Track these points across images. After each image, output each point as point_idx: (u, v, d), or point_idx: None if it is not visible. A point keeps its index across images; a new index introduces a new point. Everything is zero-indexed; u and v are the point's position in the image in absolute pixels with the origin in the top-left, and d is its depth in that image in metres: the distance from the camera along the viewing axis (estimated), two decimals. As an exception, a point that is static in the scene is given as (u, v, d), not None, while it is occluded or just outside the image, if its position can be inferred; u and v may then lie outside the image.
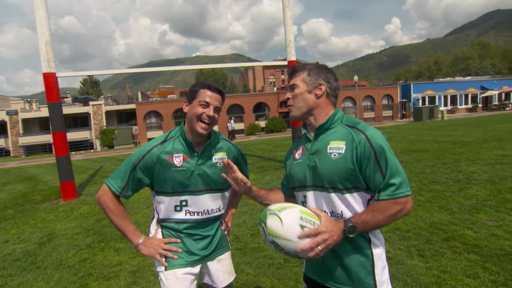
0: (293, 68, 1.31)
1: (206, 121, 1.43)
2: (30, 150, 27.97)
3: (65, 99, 37.62)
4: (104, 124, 28.32)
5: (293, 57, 8.78)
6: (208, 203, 1.52)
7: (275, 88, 38.96)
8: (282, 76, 77.67)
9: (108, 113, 29.53)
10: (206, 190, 1.50)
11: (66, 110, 28.83)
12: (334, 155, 1.16)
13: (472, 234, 3.42)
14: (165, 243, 1.48)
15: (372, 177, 1.11)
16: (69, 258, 3.78)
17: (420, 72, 75.23)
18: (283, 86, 43.57)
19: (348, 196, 1.15)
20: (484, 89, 34.31)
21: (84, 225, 5.10)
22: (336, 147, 1.16)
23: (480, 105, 34.40)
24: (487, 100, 34.80)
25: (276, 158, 10.86)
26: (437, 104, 31.48)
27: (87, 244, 4.18)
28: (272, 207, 1.11)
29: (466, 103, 34.25)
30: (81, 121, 31.68)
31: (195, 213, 1.50)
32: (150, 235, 1.56)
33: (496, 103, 34.40)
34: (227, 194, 1.63)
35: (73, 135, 27.31)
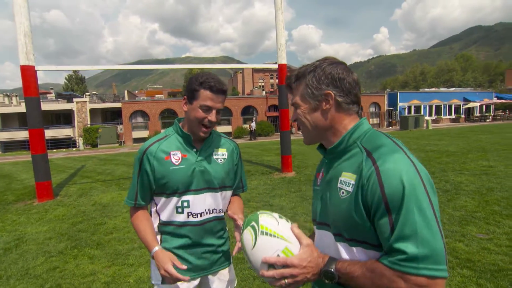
0: (288, 78, 1.01)
1: (208, 125, 1.34)
2: (8, 146, 26.81)
3: (47, 95, 36.43)
4: (88, 122, 27.47)
5: (284, 61, 8.66)
6: (209, 204, 1.41)
7: (264, 92, 38.95)
8: (271, 80, 77.91)
9: (92, 111, 28.69)
10: (207, 188, 1.40)
11: (49, 106, 27.92)
12: (343, 192, 0.85)
13: (463, 247, 3.33)
14: (172, 263, 1.31)
15: (379, 231, 0.77)
16: (37, 266, 3.47)
17: (406, 82, 77.11)
18: (272, 90, 43.69)
19: (356, 250, 0.84)
20: (466, 100, 35.35)
21: (58, 229, 4.77)
22: (346, 182, 0.85)
23: (462, 116, 35.40)
24: (469, 111, 35.85)
25: (264, 162, 10.70)
26: (422, 113, 32.16)
27: (59, 251, 3.87)
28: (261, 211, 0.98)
29: (450, 113, 35.16)
30: (64, 118, 30.66)
31: (198, 215, 1.39)
32: None
33: (478, 114, 35.48)
34: (228, 194, 1.51)
35: (55, 132, 26.35)
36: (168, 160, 1.35)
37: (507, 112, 36.61)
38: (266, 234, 0.87)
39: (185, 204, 1.37)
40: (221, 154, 1.46)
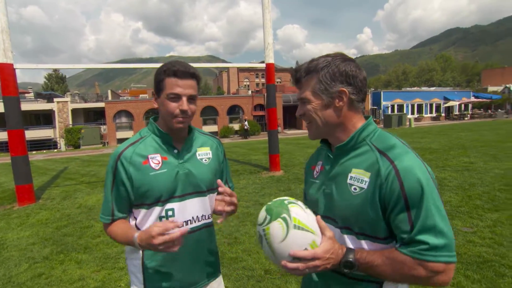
0: (297, 71, 0.97)
1: (181, 116, 1.18)
2: (-16, 148, 25.68)
3: (26, 95, 35.09)
4: (70, 122, 26.64)
5: (271, 60, 8.67)
6: (197, 210, 1.26)
7: (250, 91, 38.95)
8: (257, 80, 77.97)
9: (74, 111, 27.84)
10: (194, 193, 1.25)
11: (28, 106, 26.87)
12: (355, 188, 0.88)
13: (450, 241, 3.44)
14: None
15: (396, 226, 0.83)
16: (20, 273, 3.32)
17: (389, 81, 78.91)
18: (258, 89, 43.70)
19: (364, 243, 0.89)
20: (446, 99, 36.52)
21: (41, 233, 4.59)
22: (359, 178, 0.88)
23: (443, 114, 36.55)
24: (449, 110, 37.07)
25: (251, 161, 10.69)
26: (405, 112, 33.00)
27: (44, 256, 3.73)
28: (282, 198, 0.92)
29: (431, 112, 36.23)
30: (44, 118, 29.61)
31: (184, 224, 1.22)
32: (130, 260, 1.27)
33: (457, 113, 36.74)
34: (214, 196, 1.37)
35: (34, 133, 25.40)
36: (146, 164, 1.18)
37: (482, 111, 38.05)
38: (299, 228, 0.84)
39: (170, 213, 1.20)
40: (205, 153, 1.32)
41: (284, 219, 0.85)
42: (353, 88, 0.92)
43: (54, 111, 26.52)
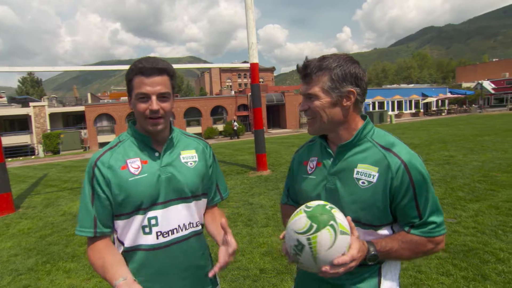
0: (307, 67, 0.98)
1: (152, 117, 1.09)
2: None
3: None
4: (48, 127, 25.65)
5: (255, 60, 8.69)
6: (183, 217, 1.15)
7: (233, 92, 38.87)
8: (239, 80, 77.93)
9: (52, 116, 26.82)
10: (179, 199, 1.14)
11: (1, 112, 25.71)
12: (363, 182, 0.94)
13: (436, 232, 3.57)
14: None
15: (405, 213, 0.94)
16: (4, 287, 3.18)
17: (369, 79, 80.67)
18: (241, 89, 43.68)
19: (367, 232, 0.98)
20: (424, 96, 37.76)
21: (24, 244, 4.41)
22: (366, 173, 0.95)
23: (421, 110, 37.77)
24: (427, 106, 38.35)
25: (238, 162, 10.68)
26: (385, 108, 33.86)
27: (29, 267, 3.58)
28: (319, 203, 0.91)
29: (410, 108, 37.34)
30: (20, 124, 28.36)
31: (169, 233, 1.12)
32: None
33: (435, 108, 38.07)
34: (203, 202, 1.26)
35: (9, 140, 24.26)
36: (125, 170, 1.09)
37: (457, 106, 39.64)
38: (342, 233, 0.85)
39: (153, 222, 1.10)
40: (190, 156, 1.21)
41: (332, 227, 0.84)
42: (360, 89, 0.98)
43: (30, 116, 25.46)
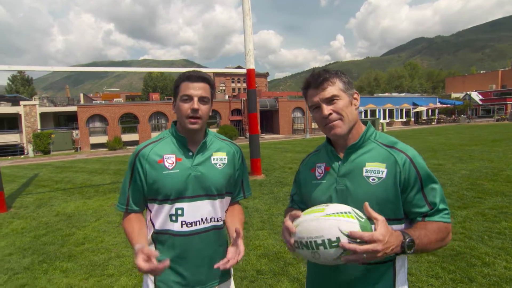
0: (323, 72, 1.07)
1: (193, 116, 1.25)
2: None
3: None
4: (39, 127, 25.27)
5: (252, 65, 8.82)
6: (207, 212, 1.30)
7: (227, 96, 38.97)
8: (233, 84, 78.13)
9: (43, 115, 26.42)
10: (205, 195, 1.28)
11: (-10, 110, 25.26)
12: (373, 179, 1.01)
13: (426, 237, 3.71)
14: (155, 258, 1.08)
15: (415, 204, 1.00)
16: (0, 286, 3.18)
17: (361, 87, 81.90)
18: (234, 94, 43.84)
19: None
20: (415, 105, 38.57)
21: (18, 243, 4.39)
22: (375, 170, 1.02)
23: (412, 119, 38.52)
24: (417, 115, 39.14)
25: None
26: (377, 116, 34.43)
27: (25, 267, 3.58)
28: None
29: (401, 116, 38.07)
30: (9, 123, 27.84)
31: (192, 224, 1.27)
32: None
33: (425, 118, 38.88)
34: (227, 200, 1.40)
35: (-3, 139, 23.87)
36: (161, 163, 1.26)
37: (446, 116, 40.55)
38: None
39: (179, 212, 1.26)
40: (221, 158, 1.35)
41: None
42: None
43: (20, 115, 25.05)
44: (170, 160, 1.27)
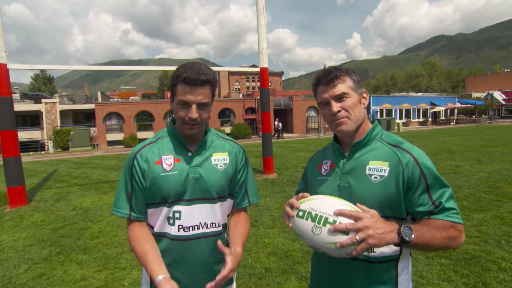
0: (334, 70, 1.07)
1: (190, 123, 1.17)
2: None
3: (12, 95, 34.25)
4: (59, 124, 26.17)
5: (265, 64, 8.82)
6: (205, 216, 1.21)
7: (241, 95, 39.10)
8: (247, 83, 78.34)
9: (63, 113, 27.37)
10: (204, 199, 1.20)
11: (14, 107, 26.27)
12: (375, 177, 1.02)
13: (440, 239, 3.63)
14: None
15: (420, 203, 0.98)
16: (21, 274, 3.33)
17: (377, 86, 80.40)
18: (249, 93, 43.92)
19: None
20: (433, 105, 37.49)
21: (37, 235, 4.58)
22: (378, 168, 1.02)
23: (430, 119, 37.49)
24: (435, 115, 38.05)
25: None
26: (393, 116, 33.72)
27: (43, 257, 3.73)
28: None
29: (418, 117, 37.12)
30: (31, 119, 28.99)
31: (189, 229, 1.19)
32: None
33: (443, 118, 37.75)
34: (228, 204, 1.31)
35: (21, 135, 24.53)
36: (158, 165, 1.19)
37: (466, 116, 39.26)
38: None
39: (176, 215, 1.19)
40: (222, 159, 1.27)
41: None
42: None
43: (42, 112, 26.02)
44: (168, 161, 1.20)
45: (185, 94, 1.13)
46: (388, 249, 1.02)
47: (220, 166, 1.25)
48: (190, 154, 1.23)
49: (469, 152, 10.79)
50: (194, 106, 1.14)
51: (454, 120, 37.12)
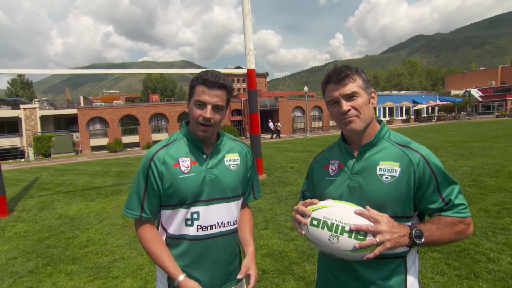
0: (345, 68, 1.07)
1: (204, 124, 1.21)
2: None
3: (-12, 102, 32.90)
4: (39, 130, 25.29)
5: (252, 65, 8.82)
6: (222, 215, 1.27)
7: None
8: (233, 85, 78.07)
9: (43, 118, 26.45)
10: (220, 199, 1.26)
11: (-10, 114, 25.29)
12: (386, 177, 1.02)
13: (430, 234, 3.72)
14: None
15: (431, 202, 1.02)
16: (7, 288, 3.19)
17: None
18: (234, 94, 43.81)
19: None
20: (415, 102, 38.55)
21: (21, 247, 4.39)
22: (389, 168, 1.03)
23: (412, 116, 38.50)
24: (417, 113, 39.12)
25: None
26: (377, 115, 34.43)
27: (29, 270, 3.58)
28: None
29: (401, 114, 38.06)
30: (9, 126, 27.88)
31: (208, 228, 1.24)
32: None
33: (425, 115, 38.86)
34: (240, 202, 1.37)
35: (-2, 143, 23.89)
36: (176, 167, 1.22)
37: (446, 113, 40.54)
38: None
39: (195, 216, 1.23)
40: (233, 159, 1.33)
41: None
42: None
43: (20, 118, 25.07)
44: (185, 164, 1.24)
45: (202, 94, 1.20)
46: None
47: (233, 166, 1.32)
48: (205, 156, 1.28)
49: (452, 148, 11.13)
50: (209, 107, 1.20)
51: (435, 117, 38.28)
